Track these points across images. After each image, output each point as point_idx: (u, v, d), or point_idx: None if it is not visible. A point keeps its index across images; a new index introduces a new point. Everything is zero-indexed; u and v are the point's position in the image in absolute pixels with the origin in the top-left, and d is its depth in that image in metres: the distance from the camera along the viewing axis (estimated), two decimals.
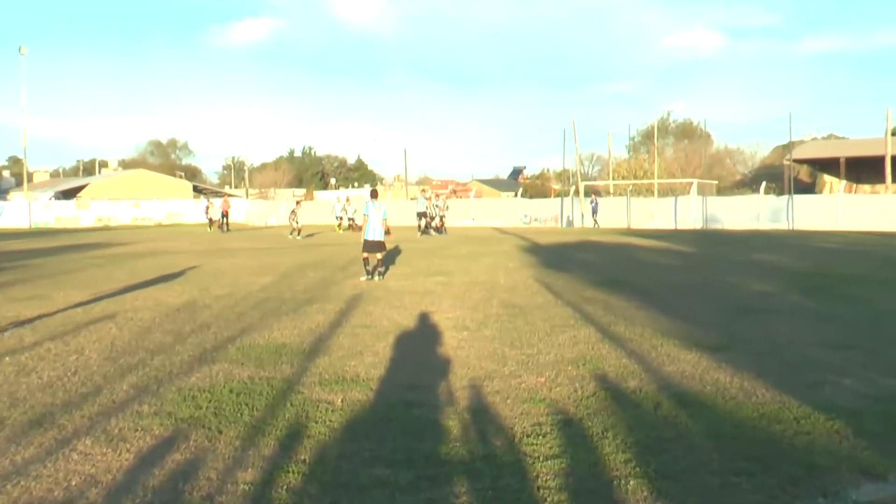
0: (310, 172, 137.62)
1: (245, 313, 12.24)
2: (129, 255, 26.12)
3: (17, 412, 6.63)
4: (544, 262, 21.33)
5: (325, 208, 51.91)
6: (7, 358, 8.92)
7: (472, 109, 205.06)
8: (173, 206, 68.36)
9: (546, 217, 51.89)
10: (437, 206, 40.90)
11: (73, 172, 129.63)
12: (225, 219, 46.43)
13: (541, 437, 5.83)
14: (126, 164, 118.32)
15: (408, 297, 14.11)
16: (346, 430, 6.07)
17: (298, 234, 37.56)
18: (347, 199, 44.54)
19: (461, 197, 69.78)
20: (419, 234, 37.29)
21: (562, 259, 22.47)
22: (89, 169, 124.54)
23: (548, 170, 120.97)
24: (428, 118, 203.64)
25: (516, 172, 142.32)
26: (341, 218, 43.46)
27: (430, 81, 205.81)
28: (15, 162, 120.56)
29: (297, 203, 40.20)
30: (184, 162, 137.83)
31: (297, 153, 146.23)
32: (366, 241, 17.37)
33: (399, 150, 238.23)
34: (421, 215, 38.99)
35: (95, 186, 77.46)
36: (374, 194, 17.94)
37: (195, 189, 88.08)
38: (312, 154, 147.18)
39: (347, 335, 10.20)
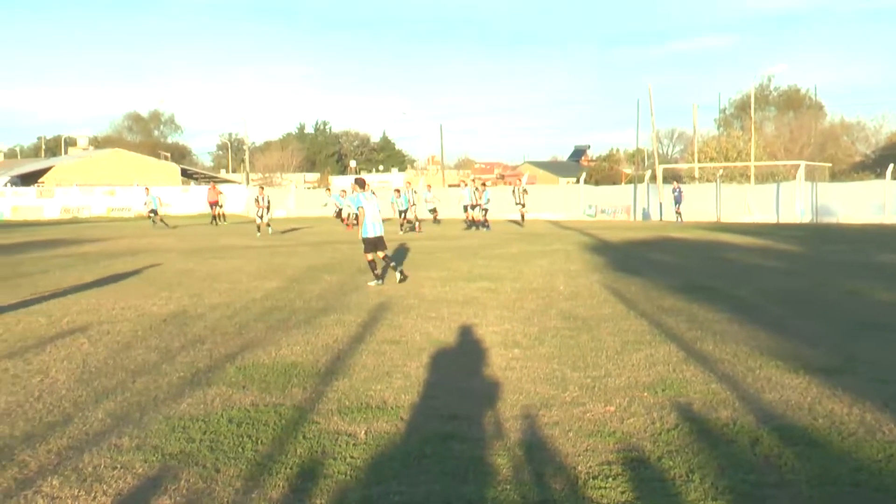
0: (324, 153, 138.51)
1: (247, 326, 12.36)
2: (103, 253, 26.47)
3: None
4: (613, 263, 21.24)
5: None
6: None
7: (523, 76, 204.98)
8: (157, 194, 68.81)
9: (615, 208, 51.67)
10: (476, 191, 41.36)
11: (34, 152, 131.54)
12: (219, 208, 46.92)
13: (610, 480, 5.82)
14: (98, 143, 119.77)
15: (445, 306, 14.16)
16: (371, 469, 6.11)
17: (268, 227, 37.80)
18: (343, 192, 44.74)
19: (510, 184, 69.48)
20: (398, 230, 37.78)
21: (635, 260, 22.35)
22: (53, 148, 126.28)
23: (617, 150, 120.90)
24: (469, 88, 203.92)
25: (578, 153, 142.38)
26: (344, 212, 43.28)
27: (471, 42, 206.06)
28: None
29: (261, 189, 40.18)
30: (170, 140, 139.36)
31: (309, 129, 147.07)
32: (367, 240, 17.70)
33: (434, 126, 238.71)
34: (403, 212, 39.88)
35: (61, 169, 78.41)
36: (362, 184, 18.26)
37: (184, 173, 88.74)
38: (327, 131, 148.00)
39: (372, 353, 10.27)
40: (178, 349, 10.64)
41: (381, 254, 17.92)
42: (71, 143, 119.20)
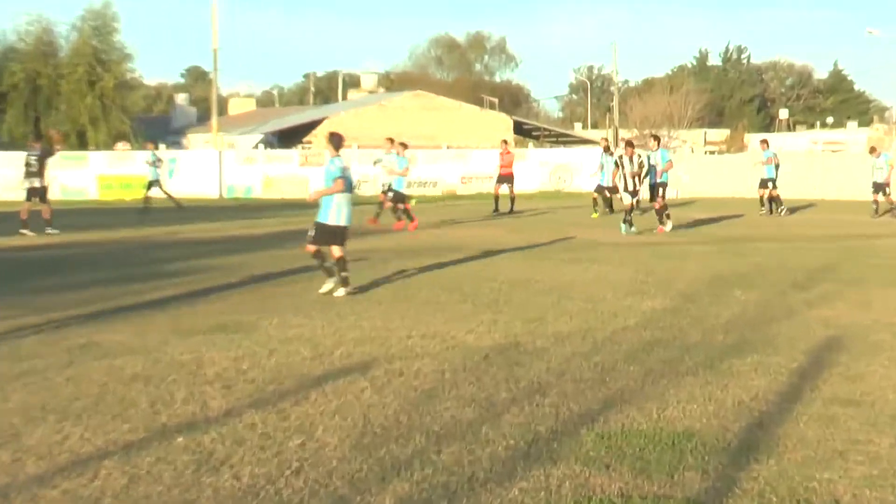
0: (738, 98, 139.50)
1: (612, 369, 12.50)
2: (398, 250, 27.45)
3: None
4: None
5: None
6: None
7: None
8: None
9: None
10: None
11: (298, 97, 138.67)
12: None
13: None
14: (392, 83, 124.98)
15: None
16: None
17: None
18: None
19: None
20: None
21: None
22: (325, 91, 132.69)
23: None
24: None
25: None
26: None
27: None
28: (197, 78, 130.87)
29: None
30: (498, 78, 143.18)
31: (714, 60, 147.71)
32: (325, 227, 18.86)
33: None
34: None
35: (337, 123, 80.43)
36: (337, 142, 19.72)
37: (519, 129, 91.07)
38: (744, 62, 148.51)
39: (814, 418, 10.14)
40: (507, 403, 10.89)
41: (336, 250, 18.69)
42: (352, 83, 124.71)
